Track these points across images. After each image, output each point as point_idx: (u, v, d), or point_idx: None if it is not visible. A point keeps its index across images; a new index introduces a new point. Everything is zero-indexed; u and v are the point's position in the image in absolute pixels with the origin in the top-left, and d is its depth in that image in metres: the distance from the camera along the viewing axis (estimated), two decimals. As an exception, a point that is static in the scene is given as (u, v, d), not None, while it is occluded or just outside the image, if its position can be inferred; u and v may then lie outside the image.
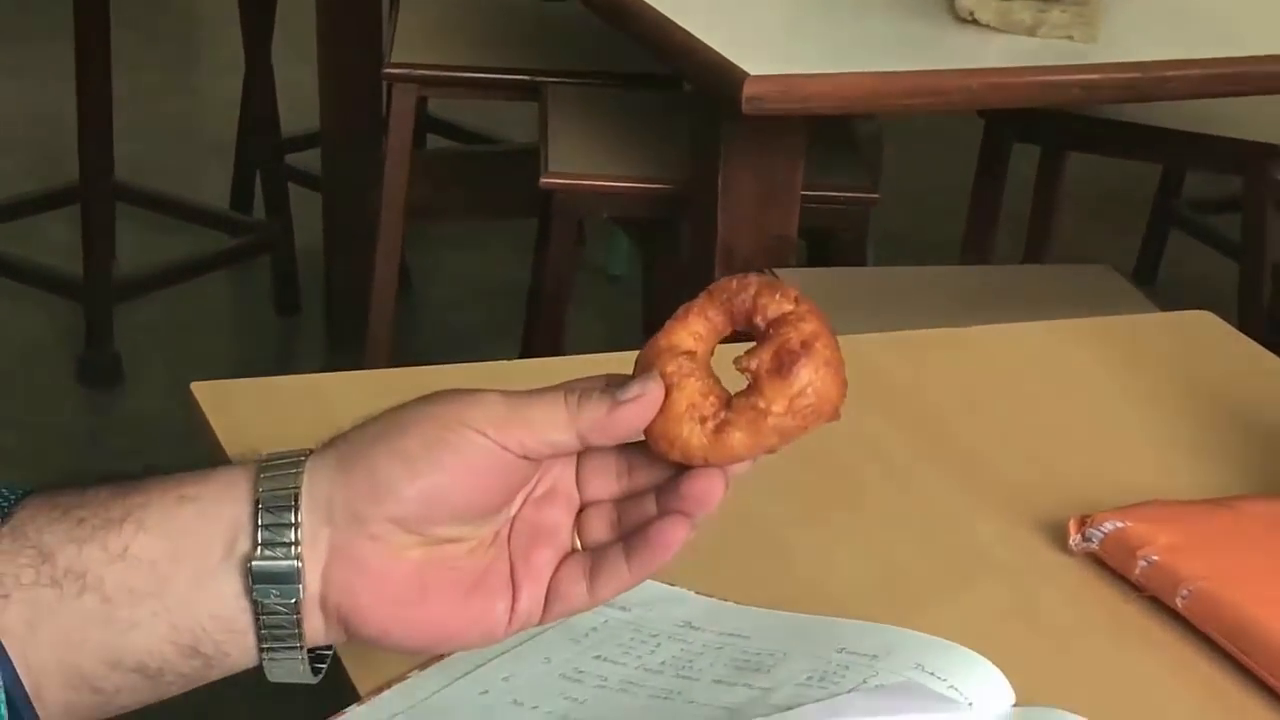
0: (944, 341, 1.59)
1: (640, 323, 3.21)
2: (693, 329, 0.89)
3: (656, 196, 2.53)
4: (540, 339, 2.80)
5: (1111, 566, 1.25)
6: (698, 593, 1.13)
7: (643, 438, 0.89)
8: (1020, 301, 2.31)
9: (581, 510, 0.91)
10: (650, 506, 0.90)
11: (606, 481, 0.91)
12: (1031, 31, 2.20)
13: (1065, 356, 1.54)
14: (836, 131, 2.55)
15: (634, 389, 0.87)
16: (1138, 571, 1.23)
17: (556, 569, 0.90)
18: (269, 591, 0.86)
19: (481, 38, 3.03)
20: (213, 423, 1.36)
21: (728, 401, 0.87)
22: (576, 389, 0.89)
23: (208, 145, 4.35)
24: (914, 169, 4.29)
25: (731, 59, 2.07)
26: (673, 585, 1.11)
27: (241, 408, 1.38)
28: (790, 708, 0.98)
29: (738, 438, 0.86)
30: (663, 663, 1.07)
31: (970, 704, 1.02)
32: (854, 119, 2.67)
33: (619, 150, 2.63)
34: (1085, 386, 1.49)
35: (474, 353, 3.62)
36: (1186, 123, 2.81)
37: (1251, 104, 2.74)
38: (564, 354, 2.76)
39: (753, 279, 0.90)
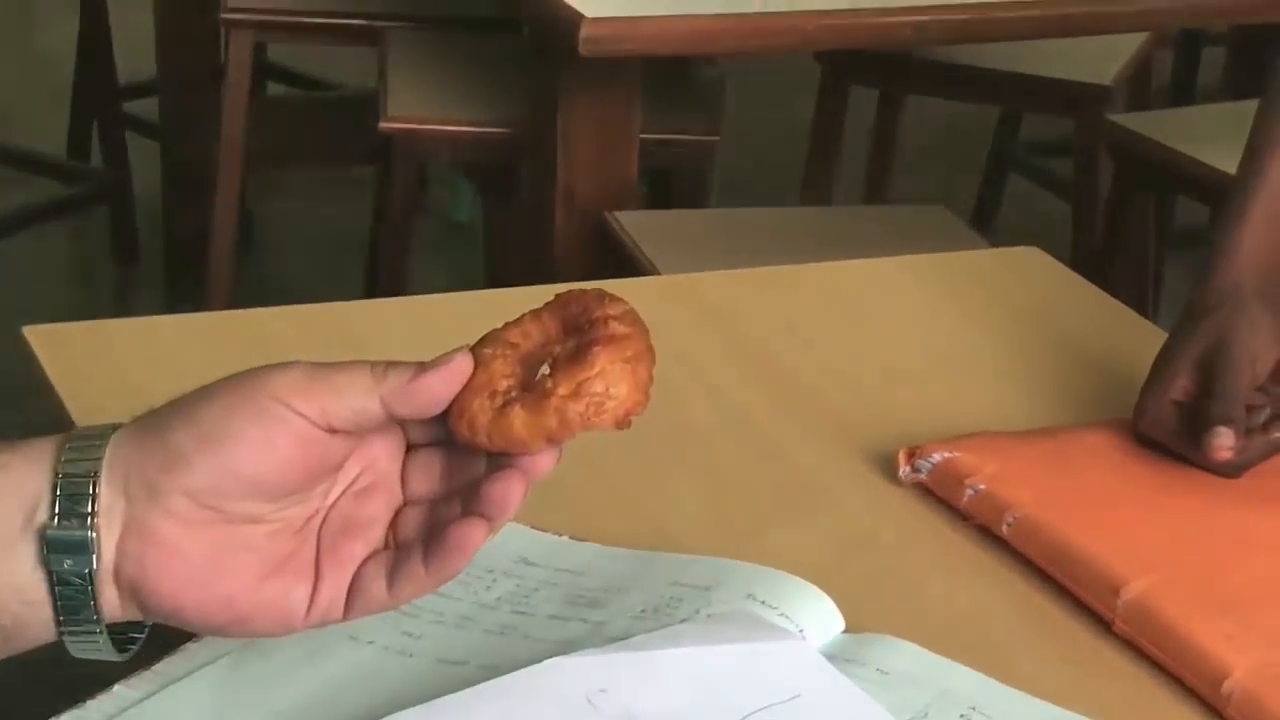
0: (778, 279, 1.61)
1: (482, 270, 3.21)
2: (524, 328, 0.89)
3: (497, 141, 2.53)
4: (382, 286, 2.79)
5: (940, 496, 1.27)
6: (533, 528, 1.14)
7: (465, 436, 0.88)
8: (858, 241, 2.34)
9: (402, 509, 0.90)
10: (457, 508, 0.88)
11: (429, 480, 0.90)
12: (864, -23, 2.22)
13: (898, 292, 1.56)
14: (676, 75, 2.56)
15: (442, 358, 0.86)
16: (965, 500, 1.26)
17: (362, 564, 0.88)
18: (62, 561, 0.84)
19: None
20: (47, 368, 1.34)
21: (530, 389, 0.87)
22: (385, 361, 0.87)
23: (44, 93, 4.29)
24: (757, 113, 4.31)
25: (568, 1, 2.07)
26: (510, 521, 1.12)
27: (77, 352, 1.37)
28: (623, 639, 0.99)
29: (518, 413, 0.85)
30: (498, 598, 1.08)
31: (801, 631, 1.04)
32: (694, 63, 2.68)
33: (459, 95, 2.63)
34: (917, 321, 1.52)
35: (317, 300, 3.60)
36: (1020, 65, 2.84)
37: (1083, 45, 2.78)
38: (406, 299, 2.76)
39: (591, 291, 0.90)
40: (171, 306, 3.63)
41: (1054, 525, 1.22)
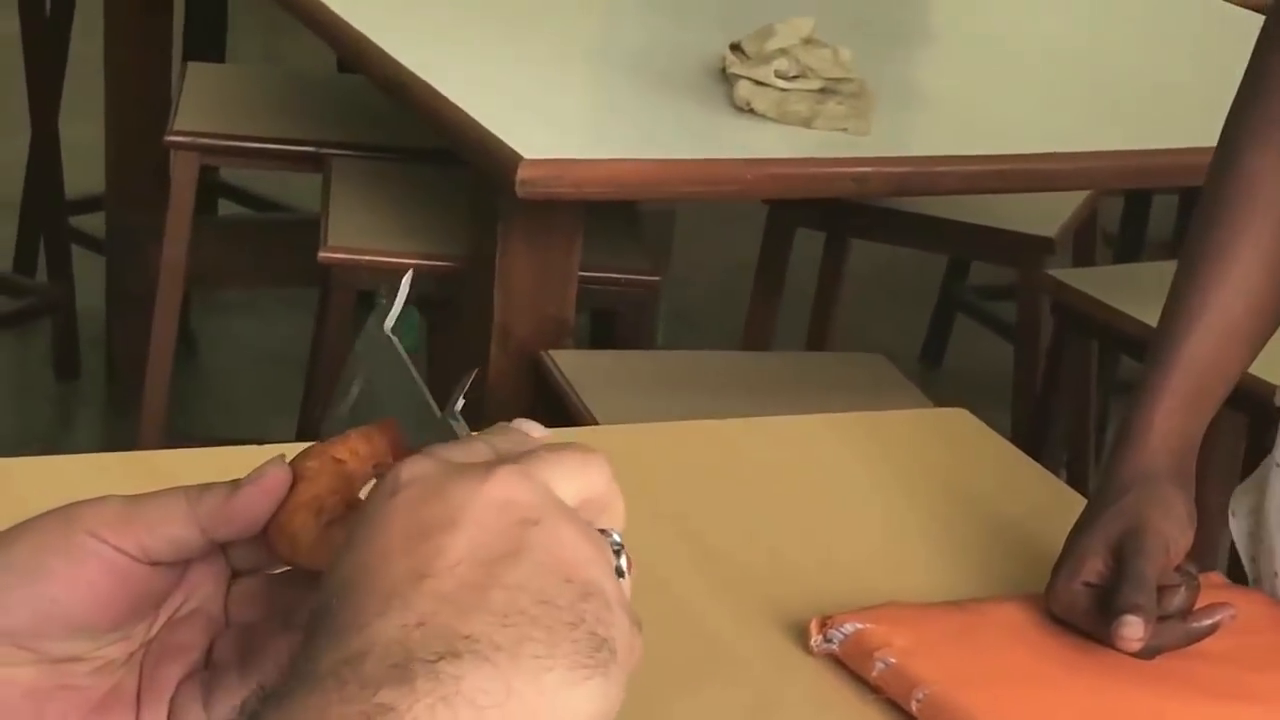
0: (704, 433, 1.59)
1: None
2: (351, 445, 0.86)
3: (438, 274, 2.51)
4: (318, 410, 2.77)
5: (851, 667, 1.26)
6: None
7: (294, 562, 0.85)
8: (795, 390, 2.33)
9: (220, 633, 0.86)
10: (277, 627, 0.84)
11: (251, 605, 0.86)
12: (808, 123, 2.22)
13: (821, 451, 1.55)
14: (619, 212, 2.55)
15: (255, 472, 0.82)
16: (875, 674, 1.24)
17: (177, 686, 0.84)
18: None
19: (270, 107, 3.01)
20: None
21: (355, 507, 0.82)
22: (200, 485, 0.84)
23: (-7, 204, 4.28)
24: (707, 246, 4.32)
25: (506, 141, 2.06)
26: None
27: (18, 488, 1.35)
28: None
29: (341, 534, 0.78)
30: None
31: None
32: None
33: (401, 226, 2.62)
34: (841, 482, 1.50)
35: (254, 421, 3.58)
36: (965, 214, 2.85)
37: (1025, 198, 2.79)
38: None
39: None
40: (110, 423, 3.60)
41: (963, 704, 1.20)
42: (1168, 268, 2.66)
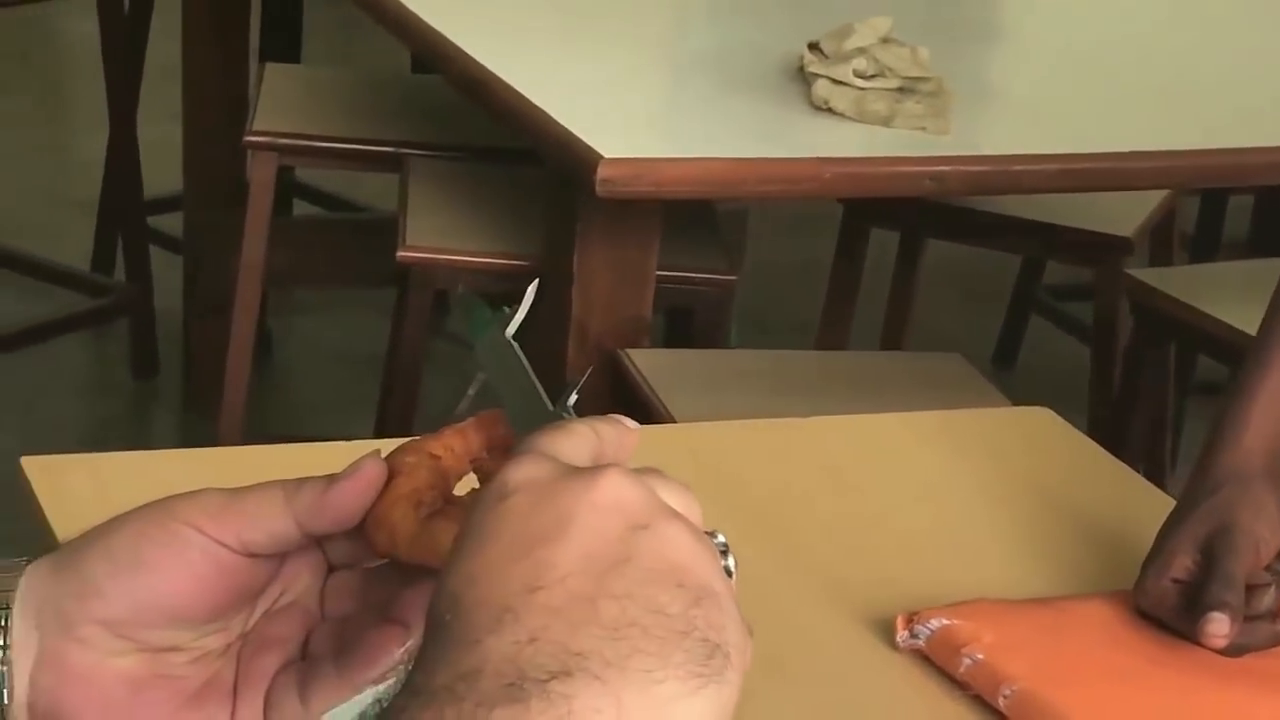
0: (785, 431, 1.60)
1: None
2: (446, 441, 0.87)
3: (513, 272, 2.52)
4: (395, 409, 2.78)
5: (937, 663, 1.26)
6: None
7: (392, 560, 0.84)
8: (873, 389, 2.33)
9: (316, 626, 0.86)
10: (373, 619, 0.85)
11: (347, 600, 0.86)
12: (886, 122, 2.22)
13: (905, 449, 1.55)
14: (696, 210, 2.56)
15: (351, 466, 0.83)
16: (962, 670, 1.24)
17: (273, 678, 0.85)
18: None
19: (346, 108, 3.03)
20: (40, 498, 1.34)
21: (454, 501, 0.83)
22: (297, 479, 0.84)
23: (72, 204, 4.31)
24: (782, 245, 4.31)
25: (587, 141, 2.07)
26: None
27: (72, 483, 1.36)
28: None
29: (442, 528, 0.80)
30: None
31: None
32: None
33: (477, 225, 2.63)
34: (923, 480, 1.50)
35: (330, 421, 3.60)
36: (1041, 213, 2.84)
37: (1101, 197, 2.78)
38: (418, 423, 2.75)
39: None
40: (187, 422, 3.63)
41: (1051, 700, 1.20)
42: (1249, 267, 2.68)
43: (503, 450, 0.85)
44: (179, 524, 0.82)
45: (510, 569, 0.70)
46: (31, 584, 0.83)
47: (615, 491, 0.72)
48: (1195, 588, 1.24)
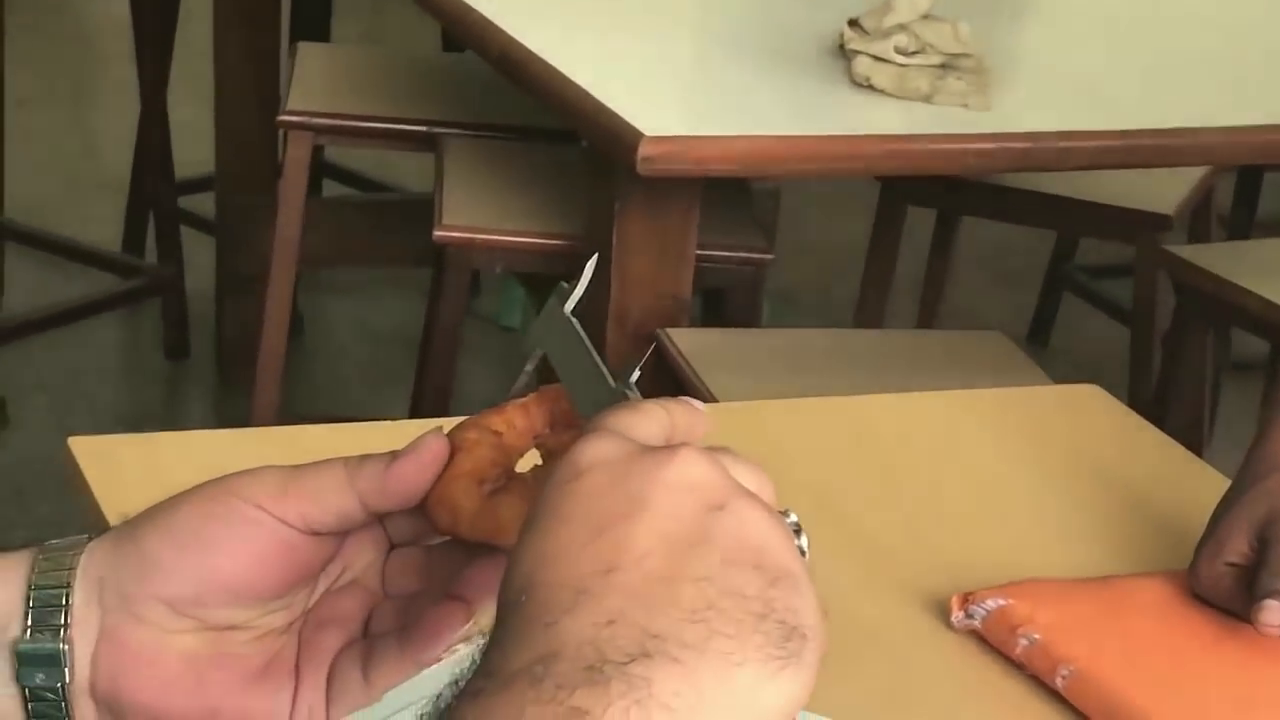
0: (831, 410, 1.59)
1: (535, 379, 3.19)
2: (508, 417, 0.86)
3: (551, 252, 2.51)
4: (430, 390, 2.78)
5: (993, 644, 1.25)
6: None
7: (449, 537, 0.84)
8: (913, 368, 2.32)
9: (378, 604, 0.86)
10: (436, 596, 0.84)
11: (408, 578, 0.86)
12: (928, 99, 2.21)
13: (953, 427, 1.54)
14: (731, 189, 2.54)
15: (414, 443, 0.82)
16: (1019, 650, 1.23)
17: (335, 656, 0.85)
18: (34, 675, 0.81)
19: (379, 87, 3.01)
20: (89, 479, 1.33)
21: (516, 478, 0.82)
22: (358, 456, 0.84)
23: (102, 185, 4.31)
24: (812, 225, 4.30)
25: (627, 118, 2.06)
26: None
27: (121, 463, 1.35)
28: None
29: (506, 504, 0.80)
30: None
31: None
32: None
33: (514, 204, 2.62)
34: (972, 459, 1.49)
35: (364, 402, 3.60)
36: (1078, 190, 2.83)
37: (1137, 175, 2.76)
38: (453, 405, 2.74)
39: None
40: (220, 403, 3.62)
41: (1111, 681, 1.19)
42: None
43: (565, 426, 0.85)
44: (241, 502, 0.82)
45: (585, 549, 0.69)
46: (92, 562, 0.83)
47: (690, 471, 0.71)
48: (1250, 572, 1.23)
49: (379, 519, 0.85)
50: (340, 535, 0.85)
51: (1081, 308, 3.98)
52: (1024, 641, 1.23)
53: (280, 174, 2.96)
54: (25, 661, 0.82)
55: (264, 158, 3.45)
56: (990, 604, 1.25)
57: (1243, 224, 3.77)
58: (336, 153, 3.98)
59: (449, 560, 0.85)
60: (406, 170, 4.15)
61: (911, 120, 2.20)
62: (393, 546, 0.86)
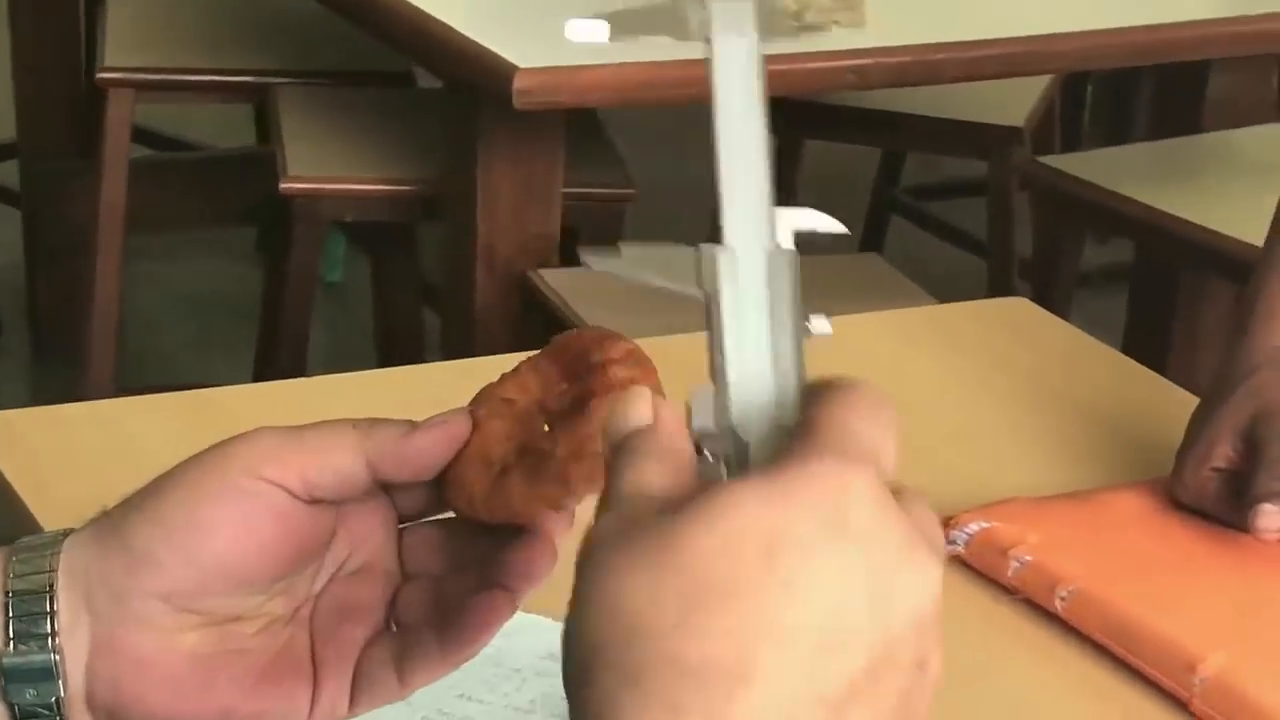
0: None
1: (371, 332, 3.10)
2: (521, 380, 0.78)
3: (404, 198, 2.43)
4: (279, 353, 2.67)
5: (979, 569, 1.20)
6: (555, 620, 1.05)
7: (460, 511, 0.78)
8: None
9: (401, 587, 0.79)
10: (470, 582, 0.77)
11: (429, 555, 0.79)
12: (797, 18, 2.15)
13: (886, 349, 1.49)
14: (587, 125, 2.48)
15: (438, 418, 0.76)
16: (1011, 573, 1.18)
17: (364, 650, 0.78)
18: (24, 691, 0.74)
19: (201, 37, 2.89)
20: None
21: (528, 451, 0.77)
22: (368, 418, 0.77)
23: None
24: (661, 159, 4.23)
25: (499, 51, 1.98)
26: (527, 612, 1.03)
27: (29, 439, 1.27)
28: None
29: (515, 482, 0.75)
30: (532, 700, 1.02)
31: None
32: (600, 113, 2.60)
33: (358, 152, 2.53)
34: (914, 380, 1.44)
35: (196, 368, 3.48)
36: (924, 108, 2.80)
37: (990, 88, 2.74)
38: (306, 369, 2.64)
39: (589, 332, 0.80)
40: (39, 380, 3.49)
41: (1113, 599, 1.15)
42: (1149, 149, 2.64)
43: (576, 373, 0.78)
44: (235, 473, 0.75)
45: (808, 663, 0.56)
46: (73, 562, 0.75)
47: (934, 593, 0.57)
48: (1238, 476, 1.19)
49: (385, 492, 0.78)
50: (335, 509, 0.78)
51: (910, 230, 3.95)
52: (1016, 564, 1.18)
53: (90, 136, 2.83)
54: (13, 677, 0.74)
55: (69, 121, 3.31)
56: (973, 527, 1.21)
57: (1074, 136, 3.77)
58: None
59: (475, 539, 0.78)
60: (204, 128, 4.01)
61: (784, 40, 2.14)
62: (401, 524, 0.80)
